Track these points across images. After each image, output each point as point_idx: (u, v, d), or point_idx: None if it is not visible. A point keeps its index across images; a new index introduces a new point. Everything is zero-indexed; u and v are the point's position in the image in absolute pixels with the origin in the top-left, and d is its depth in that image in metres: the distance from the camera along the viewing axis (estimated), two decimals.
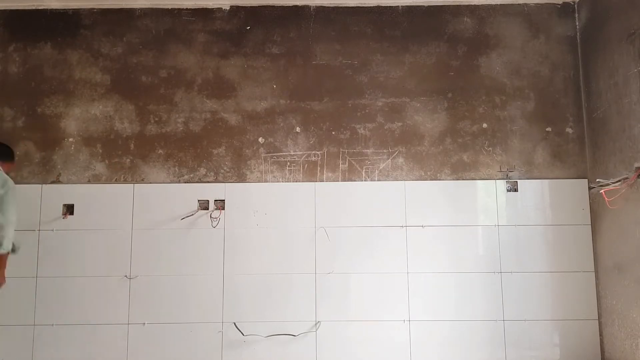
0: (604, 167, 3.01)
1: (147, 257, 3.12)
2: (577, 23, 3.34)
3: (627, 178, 2.73)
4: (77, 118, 3.29)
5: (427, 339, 3.07)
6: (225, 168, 3.24)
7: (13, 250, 2.79)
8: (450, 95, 3.30)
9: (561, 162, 3.23)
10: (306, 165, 3.25)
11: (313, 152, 3.26)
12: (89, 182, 3.22)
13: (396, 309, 3.09)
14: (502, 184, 3.20)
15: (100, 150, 3.26)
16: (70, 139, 3.27)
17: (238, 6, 3.38)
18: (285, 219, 3.17)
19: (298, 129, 3.28)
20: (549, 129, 3.26)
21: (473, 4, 3.37)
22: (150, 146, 3.26)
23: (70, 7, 3.38)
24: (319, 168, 3.25)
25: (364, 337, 3.07)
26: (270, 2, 3.36)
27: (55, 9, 3.38)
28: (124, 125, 3.29)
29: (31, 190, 3.17)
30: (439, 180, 3.22)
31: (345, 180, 3.23)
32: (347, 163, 3.25)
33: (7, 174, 2.85)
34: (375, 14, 3.38)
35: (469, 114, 3.29)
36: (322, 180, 3.23)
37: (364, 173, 3.24)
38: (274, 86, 3.32)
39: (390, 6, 3.38)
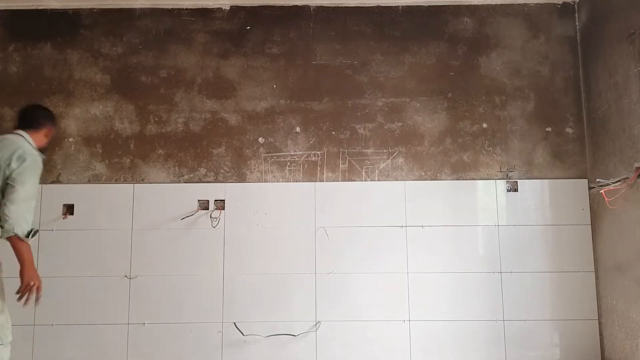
0: (604, 167, 3.01)
1: (147, 257, 3.12)
2: (577, 23, 3.34)
3: (627, 178, 2.73)
4: (77, 118, 3.29)
5: (427, 339, 3.07)
6: (225, 168, 3.24)
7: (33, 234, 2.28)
8: (450, 95, 3.30)
9: (561, 162, 3.23)
10: (306, 165, 3.25)
11: (313, 152, 3.26)
12: (89, 182, 3.23)
13: (396, 309, 3.09)
14: (502, 184, 3.20)
15: (100, 150, 3.26)
16: (70, 139, 3.27)
17: (238, 6, 3.38)
18: (285, 219, 3.17)
19: (298, 129, 3.28)
20: (549, 129, 3.26)
21: (473, 4, 3.37)
22: (150, 146, 3.26)
23: (70, 7, 3.38)
24: (319, 168, 3.25)
25: (364, 337, 3.07)
26: (270, 2, 3.36)
27: (55, 9, 3.38)
28: (124, 125, 3.29)
29: None
30: (439, 180, 3.22)
31: (345, 180, 3.23)
32: (347, 163, 3.25)
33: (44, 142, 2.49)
34: (375, 14, 3.38)
35: (469, 114, 3.29)
36: (322, 180, 3.23)
37: (364, 173, 3.24)
38: (274, 86, 3.32)
39: (390, 6, 3.38)
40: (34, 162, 2.30)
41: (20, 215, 2.17)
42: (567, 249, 3.12)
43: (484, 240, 3.15)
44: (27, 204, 2.21)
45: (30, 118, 2.48)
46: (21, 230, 2.19)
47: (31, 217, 2.23)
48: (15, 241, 2.21)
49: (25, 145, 2.33)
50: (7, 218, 2.16)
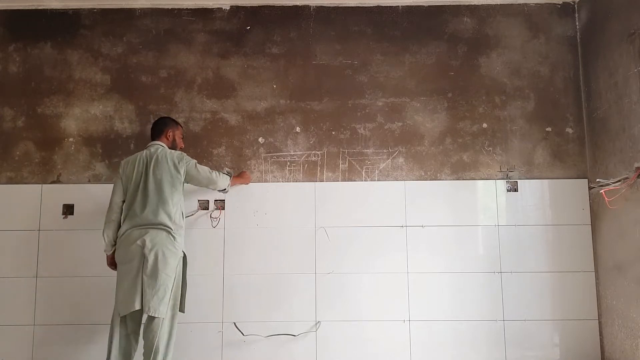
0: (604, 167, 3.01)
1: None
2: (577, 23, 3.34)
3: (627, 178, 2.73)
4: (77, 118, 3.29)
5: (427, 339, 3.07)
6: (225, 168, 3.24)
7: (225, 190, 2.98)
8: (450, 95, 3.30)
9: (561, 162, 3.23)
10: (306, 165, 3.25)
11: (313, 152, 3.26)
12: (89, 182, 3.23)
13: (396, 309, 3.09)
14: (502, 184, 3.20)
15: (100, 150, 3.26)
16: (70, 139, 3.27)
17: (238, 6, 3.39)
18: (285, 219, 3.17)
19: (298, 129, 3.28)
20: (549, 129, 3.26)
21: (473, 4, 3.37)
22: None
23: (70, 7, 3.38)
24: (319, 168, 3.25)
25: (364, 337, 3.07)
26: (270, 2, 3.36)
27: (55, 9, 3.38)
28: (124, 125, 3.29)
29: (31, 190, 3.17)
30: (439, 180, 3.22)
31: (345, 180, 3.23)
32: (347, 163, 3.25)
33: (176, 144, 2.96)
34: (375, 14, 3.38)
35: (469, 114, 3.29)
36: (322, 180, 3.23)
37: (364, 173, 3.24)
38: (274, 86, 3.32)
39: (390, 6, 3.38)
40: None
41: (214, 179, 2.87)
42: (567, 249, 3.12)
43: (484, 240, 3.15)
44: (208, 173, 2.86)
45: (154, 130, 2.94)
46: (223, 185, 2.92)
47: (219, 176, 2.90)
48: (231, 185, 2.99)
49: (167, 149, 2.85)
50: (216, 187, 2.92)
